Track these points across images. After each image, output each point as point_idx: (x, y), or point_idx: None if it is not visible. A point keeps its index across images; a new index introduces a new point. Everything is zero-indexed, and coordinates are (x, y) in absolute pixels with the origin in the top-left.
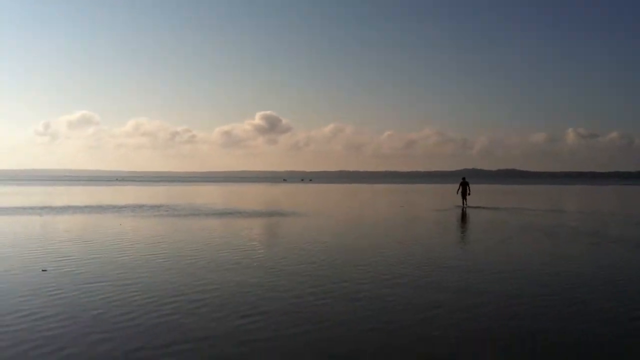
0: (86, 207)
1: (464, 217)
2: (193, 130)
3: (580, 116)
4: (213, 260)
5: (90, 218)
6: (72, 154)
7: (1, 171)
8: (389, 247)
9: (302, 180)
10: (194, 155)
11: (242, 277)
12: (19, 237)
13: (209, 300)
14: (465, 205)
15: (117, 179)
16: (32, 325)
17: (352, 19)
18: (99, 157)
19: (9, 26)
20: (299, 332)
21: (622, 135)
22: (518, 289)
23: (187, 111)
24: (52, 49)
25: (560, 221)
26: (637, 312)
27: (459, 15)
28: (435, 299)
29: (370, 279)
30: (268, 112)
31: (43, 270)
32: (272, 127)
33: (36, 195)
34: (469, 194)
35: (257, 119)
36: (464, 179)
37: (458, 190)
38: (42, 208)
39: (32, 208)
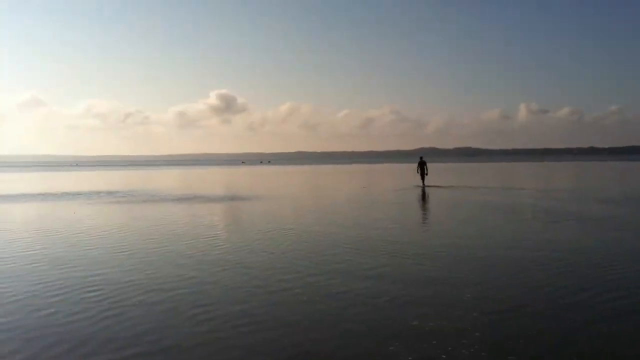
0: (39, 194)
1: (424, 197)
2: (146, 112)
3: (532, 92)
4: (170, 252)
5: (43, 206)
6: (21, 137)
7: None
8: (352, 232)
9: (261, 162)
10: (149, 137)
11: (197, 272)
12: None
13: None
14: (424, 185)
15: (76, 164)
16: None
17: None
18: (50, 141)
19: None
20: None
21: (572, 111)
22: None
23: (139, 91)
24: None
25: (517, 200)
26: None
27: None
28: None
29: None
30: (223, 90)
31: None
32: (227, 106)
33: None
34: (427, 174)
35: (212, 98)
36: (421, 158)
37: (417, 169)
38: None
39: None
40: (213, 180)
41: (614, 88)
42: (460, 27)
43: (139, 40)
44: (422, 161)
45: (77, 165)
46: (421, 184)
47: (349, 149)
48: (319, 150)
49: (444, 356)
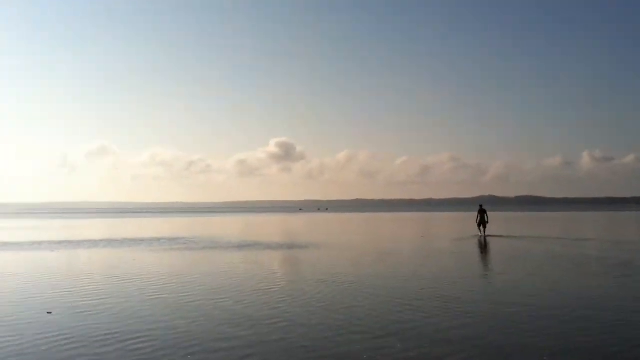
0: (101, 240)
1: (485, 247)
2: (208, 160)
3: (596, 139)
4: (238, 300)
5: (103, 253)
6: (90, 185)
7: (20, 204)
8: (413, 284)
9: (319, 209)
10: (210, 185)
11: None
12: (26, 275)
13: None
14: (484, 234)
15: (145, 211)
16: None
17: (365, 43)
18: (116, 189)
19: (24, 56)
20: None
21: (639, 158)
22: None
23: (202, 140)
24: (68, 80)
25: (584, 250)
26: None
27: (469, 33)
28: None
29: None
30: (283, 138)
31: (48, 313)
32: (286, 154)
33: (52, 229)
34: (488, 222)
35: (272, 147)
36: (481, 206)
37: (477, 218)
38: (57, 243)
39: (47, 242)
40: (271, 227)
41: None
42: (521, 72)
43: (202, 89)
44: (481, 209)
45: (141, 211)
46: (480, 234)
47: (407, 197)
48: (376, 198)
49: None
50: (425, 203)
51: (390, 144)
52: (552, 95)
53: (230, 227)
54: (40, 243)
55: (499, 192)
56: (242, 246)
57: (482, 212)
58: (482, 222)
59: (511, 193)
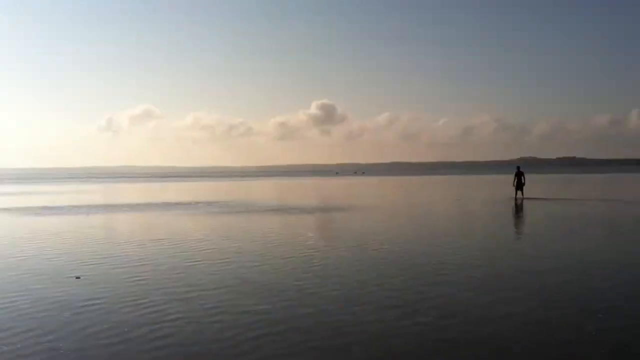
0: (139, 205)
1: (518, 211)
2: (249, 122)
3: None
4: (269, 267)
5: (140, 217)
6: (133, 149)
7: (65, 169)
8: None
9: (355, 173)
10: (250, 148)
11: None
12: (59, 238)
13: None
14: (521, 197)
15: (186, 175)
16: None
17: (408, 4)
18: (159, 152)
19: (72, 23)
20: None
21: None
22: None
23: (243, 103)
24: (112, 45)
25: (606, 211)
26: None
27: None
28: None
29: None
30: (324, 100)
31: (77, 278)
32: (327, 116)
33: (93, 193)
34: (524, 184)
35: (313, 109)
36: (518, 168)
37: (514, 181)
38: (95, 207)
39: (86, 207)
40: (306, 191)
41: None
42: (567, 30)
43: (243, 52)
44: (519, 172)
45: (182, 175)
46: (516, 196)
47: (447, 159)
48: (415, 161)
49: None
50: (466, 166)
51: (432, 105)
52: (598, 50)
53: (266, 191)
54: (79, 207)
55: (541, 154)
56: (277, 210)
57: (519, 175)
58: (519, 185)
59: (554, 154)
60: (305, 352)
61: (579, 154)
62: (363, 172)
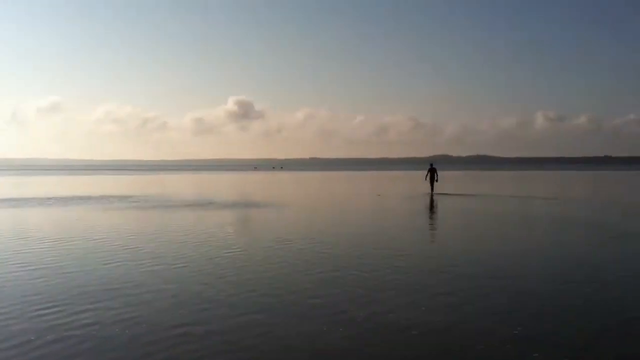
0: (48, 198)
1: (432, 205)
2: (164, 117)
3: (550, 99)
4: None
5: (47, 212)
6: (41, 141)
7: None
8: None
9: (273, 168)
10: (165, 142)
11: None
12: None
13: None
14: (433, 192)
15: (97, 169)
16: None
17: (329, 2)
18: (68, 146)
19: None
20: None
21: (591, 118)
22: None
23: (157, 97)
24: (21, 34)
25: (509, 207)
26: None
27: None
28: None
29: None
30: (241, 97)
31: None
32: (245, 113)
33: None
34: (437, 181)
35: (231, 104)
36: (431, 165)
37: (426, 177)
38: (5, 200)
39: None
40: (224, 186)
41: (636, 95)
42: (476, 32)
43: (158, 46)
44: (432, 168)
45: (89, 168)
46: (430, 192)
47: (363, 156)
48: (332, 157)
49: None
50: (381, 162)
51: (349, 104)
52: (507, 55)
53: (183, 185)
54: None
55: (454, 152)
56: (194, 205)
57: (432, 171)
58: (432, 181)
59: (465, 152)
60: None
61: (489, 152)
62: (281, 167)
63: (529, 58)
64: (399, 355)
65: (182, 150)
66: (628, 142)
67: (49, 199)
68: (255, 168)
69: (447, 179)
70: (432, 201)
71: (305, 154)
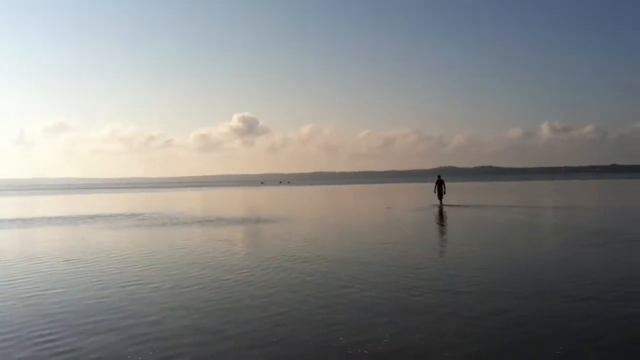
0: (57, 218)
1: (441, 216)
2: (168, 135)
3: (555, 110)
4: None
5: (54, 231)
6: (47, 161)
7: None
8: (375, 252)
9: (280, 182)
10: (170, 160)
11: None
12: None
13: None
14: (441, 204)
15: (103, 187)
16: None
17: (331, 17)
18: (75, 165)
19: None
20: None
21: (596, 128)
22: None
23: (162, 115)
24: (26, 55)
25: (534, 218)
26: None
27: (437, 14)
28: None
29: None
30: (246, 113)
31: None
32: (249, 129)
33: (6, 207)
34: (445, 193)
35: (235, 121)
36: (439, 177)
37: (435, 189)
38: (9, 221)
39: None
40: (232, 201)
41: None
42: (481, 46)
43: (161, 64)
44: (439, 180)
45: (100, 187)
46: (439, 204)
47: (369, 169)
48: (338, 171)
49: None
50: (388, 175)
51: (354, 118)
52: (512, 67)
53: (190, 202)
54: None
55: (459, 164)
56: (203, 222)
57: (439, 183)
58: (440, 192)
59: (471, 164)
60: None
61: (495, 163)
62: (288, 182)
63: (534, 69)
64: None
65: (188, 167)
66: (635, 151)
67: (56, 218)
68: (262, 183)
69: (454, 190)
70: (441, 212)
71: (311, 169)
